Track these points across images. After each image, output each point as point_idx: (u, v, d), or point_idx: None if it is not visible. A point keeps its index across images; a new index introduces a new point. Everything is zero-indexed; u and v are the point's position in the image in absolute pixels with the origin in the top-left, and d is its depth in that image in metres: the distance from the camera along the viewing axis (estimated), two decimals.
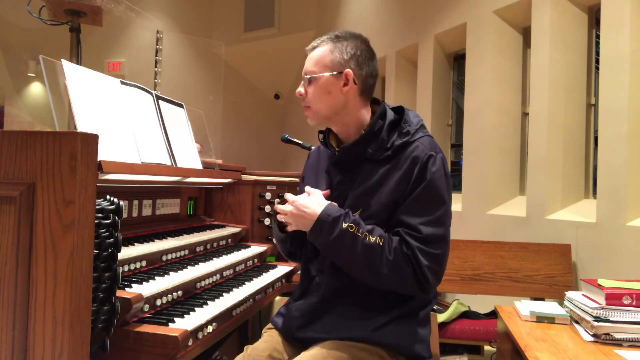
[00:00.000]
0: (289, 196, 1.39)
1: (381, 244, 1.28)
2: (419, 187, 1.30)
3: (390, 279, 1.28)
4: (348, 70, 1.36)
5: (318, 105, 1.40)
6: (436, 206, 1.30)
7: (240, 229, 2.34)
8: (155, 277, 1.51)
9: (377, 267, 1.27)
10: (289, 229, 1.40)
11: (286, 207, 1.38)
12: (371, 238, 1.28)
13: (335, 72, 1.37)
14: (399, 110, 1.44)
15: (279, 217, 1.41)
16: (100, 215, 1.18)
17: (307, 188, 1.40)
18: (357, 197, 1.37)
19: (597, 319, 1.45)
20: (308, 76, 1.40)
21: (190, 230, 2.05)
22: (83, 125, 1.49)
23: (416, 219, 1.29)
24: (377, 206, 1.34)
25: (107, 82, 1.73)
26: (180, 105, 2.22)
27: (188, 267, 1.69)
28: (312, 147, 1.67)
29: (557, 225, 2.82)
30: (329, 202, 1.35)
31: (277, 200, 1.42)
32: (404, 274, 1.27)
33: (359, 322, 1.34)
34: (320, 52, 1.39)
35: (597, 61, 2.86)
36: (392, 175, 1.34)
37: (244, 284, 1.85)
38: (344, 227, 1.28)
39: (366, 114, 1.42)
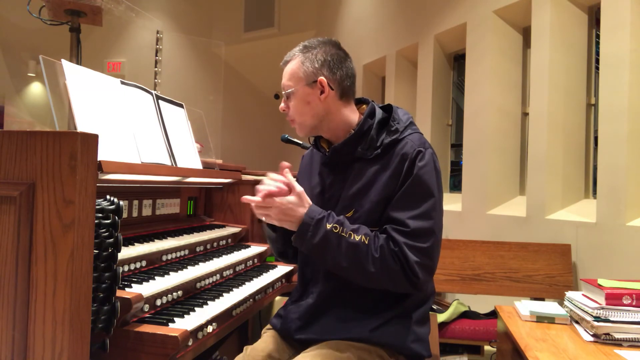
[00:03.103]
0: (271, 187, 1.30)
1: (366, 242, 1.28)
2: (407, 182, 1.31)
3: (378, 276, 1.27)
4: (321, 78, 1.37)
5: (301, 118, 1.41)
6: (423, 200, 1.30)
7: (240, 229, 2.34)
8: (155, 277, 1.51)
9: (364, 266, 1.27)
10: (271, 221, 1.35)
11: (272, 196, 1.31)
12: (356, 237, 1.28)
13: (309, 82, 1.38)
14: (388, 109, 1.44)
15: (261, 216, 1.35)
16: (100, 215, 1.18)
17: (292, 183, 1.34)
18: (349, 197, 1.37)
19: (597, 319, 1.45)
20: (285, 91, 1.42)
21: (190, 230, 2.05)
22: (83, 125, 1.49)
23: (404, 214, 1.29)
24: (369, 205, 1.34)
25: (107, 82, 1.73)
26: (180, 105, 2.22)
27: (188, 267, 1.69)
28: (306, 150, 1.67)
29: (557, 225, 2.82)
30: (312, 203, 1.33)
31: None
32: (392, 271, 1.27)
33: (358, 323, 1.34)
34: (292, 66, 1.40)
35: (597, 61, 2.86)
36: (383, 174, 1.34)
37: (244, 284, 1.85)
38: (328, 228, 1.28)
39: (352, 115, 1.42)
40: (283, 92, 1.42)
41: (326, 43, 1.42)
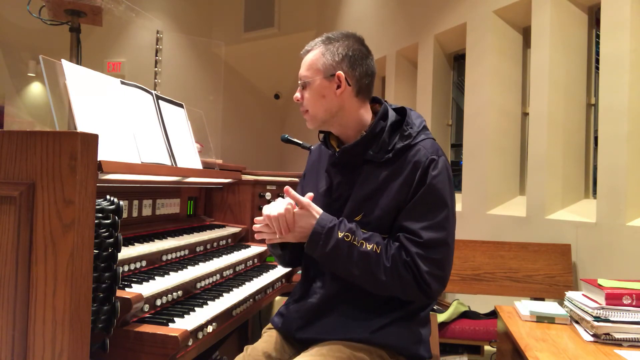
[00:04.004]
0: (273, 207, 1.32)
1: (378, 251, 1.27)
2: (419, 191, 1.29)
3: (390, 285, 1.27)
4: (339, 73, 1.34)
5: (314, 110, 1.38)
6: (437, 210, 1.29)
7: (240, 228, 2.34)
8: (155, 277, 1.51)
9: (375, 275, 1.27)
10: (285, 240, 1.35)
11: (275, 209, 1.31)
12: (368, 246, 1.27)
13: (327, 75, 1.35)
14: (401, 111, 1.42)
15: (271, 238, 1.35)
16: (100, 215, 1.18)
17: (297, 197, 1.32)
18: (359, 201, 1.35)
19: (597, 319, 1.45)
20: (302, 81, 1.39)
21: (190, 230, 2.05)
22: (83, 125, 1.49)
23: (417, 224, 1.28)
24: (379, 211, 1.32)
25: (107, 82, 1.72)
26: (180, 105, 2.22)
27: (188, 267, 1.69)
28: (312, 147, 1.65)
29: (557, 225, 2.82)
30: (323, 211, 1.32)
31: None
32: (404, 280, 1.26)
33: (359, 323, 1.33)
34: (313, 56, 1.38)
35: (597, 61, 2.86)
36: (394, 180, 1.32)
37: (244, 284, 1.85)
38: (339, 236, 1.27)
39: (366, 115, 1.40)
40: (299, 82, 1.40)
41: (349, 37, 1.39)
